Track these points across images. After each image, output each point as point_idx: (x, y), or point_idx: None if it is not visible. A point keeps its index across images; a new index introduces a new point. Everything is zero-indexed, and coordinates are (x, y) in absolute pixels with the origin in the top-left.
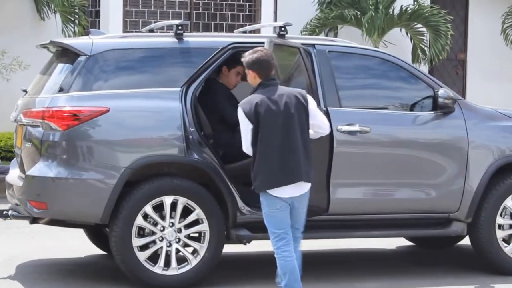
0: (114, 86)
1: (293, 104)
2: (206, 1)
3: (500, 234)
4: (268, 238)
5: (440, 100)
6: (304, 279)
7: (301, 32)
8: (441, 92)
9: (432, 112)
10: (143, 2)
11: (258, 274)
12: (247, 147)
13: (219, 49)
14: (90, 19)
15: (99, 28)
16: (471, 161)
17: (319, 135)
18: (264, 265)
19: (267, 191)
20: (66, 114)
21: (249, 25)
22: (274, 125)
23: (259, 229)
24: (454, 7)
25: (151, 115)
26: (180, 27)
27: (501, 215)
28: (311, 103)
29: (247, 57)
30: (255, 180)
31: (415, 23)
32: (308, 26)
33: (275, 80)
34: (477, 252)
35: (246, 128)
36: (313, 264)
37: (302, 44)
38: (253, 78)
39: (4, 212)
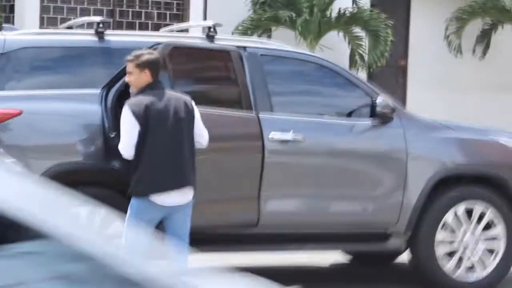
0: (28, 87)
1: (182, 109)
2: None
3: (438, 250)
4: None
5: (378, 108)
6: None
7: (232, 33)
8: (379, 100)
9: (370, 121)
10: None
11: None
12: (126, 148)
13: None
14: (3, 14)
15: (13, 24)
16: (410, 173)
17: (198, 145)
18: None
19: (150, 197)
20: None
21: (177, 24)
22: (163, 129)
23: None
24: (396, 11)
25: (68, 119)
26: (101, 25)
27: (441, 230)
28: (197, 111)
29: (144, 56)
30: (138, 184)
31: (354, 27)
32: (240, 28)
33: (162, 84)
34: (416, 269)
35: (131, 129)
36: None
37: (233, 46)
38: (144, 78)
39: None
